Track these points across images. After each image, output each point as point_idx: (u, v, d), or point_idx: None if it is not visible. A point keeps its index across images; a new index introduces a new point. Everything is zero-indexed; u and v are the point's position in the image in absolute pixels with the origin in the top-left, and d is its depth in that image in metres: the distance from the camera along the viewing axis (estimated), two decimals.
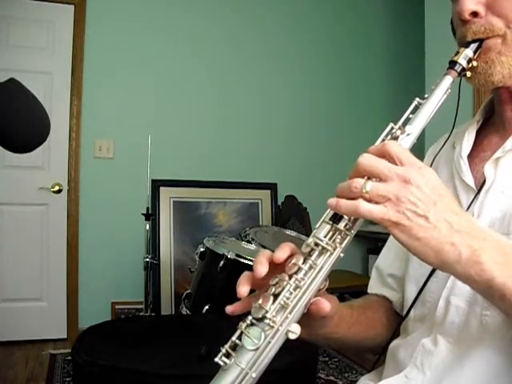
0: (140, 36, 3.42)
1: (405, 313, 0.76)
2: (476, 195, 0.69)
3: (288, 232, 2.53)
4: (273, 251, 0.59)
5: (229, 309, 0.60)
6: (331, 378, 2.69)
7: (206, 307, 1.92)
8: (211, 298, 1.96)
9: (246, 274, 0.59)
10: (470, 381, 0.62)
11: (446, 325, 0.67)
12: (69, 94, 3.29)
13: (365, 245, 3.71)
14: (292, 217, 3.31)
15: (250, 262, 1.88)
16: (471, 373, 0.62)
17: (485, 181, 0.69)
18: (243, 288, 0.57)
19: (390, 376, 0.71)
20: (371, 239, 3.45)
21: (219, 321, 1.83)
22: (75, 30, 3.29)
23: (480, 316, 0.64)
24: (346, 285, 2.83)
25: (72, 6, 3.28)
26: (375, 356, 0.79)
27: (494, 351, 0.62)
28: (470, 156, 0.74)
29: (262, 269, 0.56)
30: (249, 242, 2.22)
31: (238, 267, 1.88)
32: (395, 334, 0.77)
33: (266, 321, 0.53)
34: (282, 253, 0.57)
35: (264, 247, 2.17)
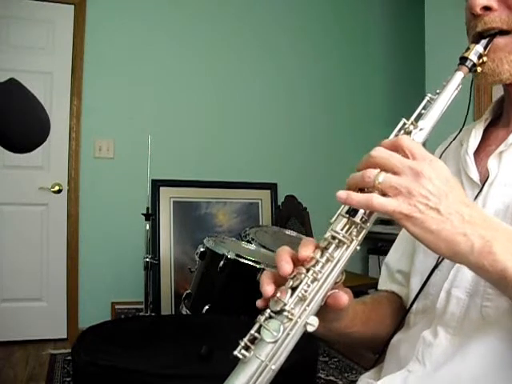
0: (140, 36, 3.42)
1: (408, 306, 0.77)
2: (480, 190, 0.69)
3: (288, 232, 2.53)
4: (293, 249, 0.59)
5: (259, 304, 0.58)
6: (331, 378, 2.69)
7: (206, 307, 1.92)
8: (211, 298, 1.96)
9: (266, 274, 0.59)
10: (472, 372, 0.62)
11: (447, 316, 0.67)
12: (69, 94, 3.29)
13: (365, 245, 3.70)
14: (292, 217, 3.31)
15: (250, 262, 1.88)
16: (472, 364, 0.62)
17: (489, 175, 0.69)
18: (268, 287, 0.57)
19: (391, 372, 0.71)
20: (371, 239, 3.45)
21: (219, 321, 1.83)
22: (75, 30, 3.29)
23: (480, 307, 0.64)
24: (346, 285, 2.82)
25: (72, 6, 3.28)
26: (375, 355, 0.79)
27: (497, 342, 0.62)
28: (477, 152, 0.75)
29: (287, 266, 0.56)
30: (249, 242, 2.22)
31: (237, 267, 1.89)
32: (399, 327, 0.77)
33: (285, 313, 0.53)
34: (306, 250, 0.57)
35: (264, 247, 2.17)
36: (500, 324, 0.62)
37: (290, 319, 0.53)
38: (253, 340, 0.54)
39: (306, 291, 0.54)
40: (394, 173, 0.53)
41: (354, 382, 0.81)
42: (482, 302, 0.64)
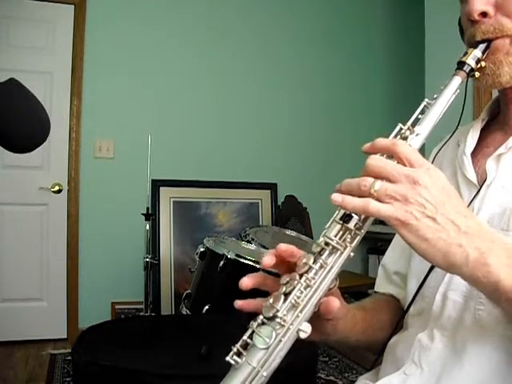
0: (140, 36, 3.42)
1: (405, 308, 0.77)
2: (478, 191, 0.69)
3: (288, 232, 2.53)
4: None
5: (238, 303, 0.60)
6: (331, 377, 2.69)
7: (206, 307, 1.92)
8: (211, 297, 1.96)
9: (259, 274, 0.61)
10: (469, 376, 0.62)
11: (443, 319, 0.67)
12: (69, 94, 3.29)
13: (365, 245, 3.71)
14: (292, 217, 3.31)
15: (250, 262, 1.88)
16: (470, 368, 0.62)
17: (487, 177, 0.69)
18: (267, 258, 0.59)
19: (387, 373, 0.71)
20: (371, 239, 3.45)
21: (219, 321, 1.83)
22: (75, 30, 3.29)
23: (474, 310, 0.64)
24: (346, 285, 2.83)
25: (72, 6, 3.28)
26: (375, 355, 0.79)
27: (492, 346, 0.62)
28: (474, 153, 0.74)
29: (269, 258, 0.58)
30: (249, 241, 2.22)
31: (237, 267, 1.88)
32: (396, 329, 0.77)
33: (277, 320, 0.53)
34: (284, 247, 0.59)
35: (264, 247, 2.17)
36: (493, 330, 0.62)
37: (283, 326, 0.53)
38: (245, 346, 0.53)
39: (298, 298, 0.54)
40: (390, 181, 0.52)
41: (353, 382, 0.81)
42: (476, 306, 0.64)
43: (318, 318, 0.58)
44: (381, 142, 0.56)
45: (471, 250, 0.51)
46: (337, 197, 0.53)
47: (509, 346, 0.61)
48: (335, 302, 0.58)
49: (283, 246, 0.59)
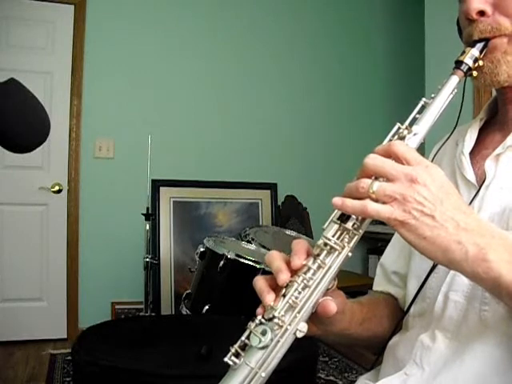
0: (140, 36, 3.42)
1: (406, 309, 0.76)
2: (477, 191, 0.69)
3: (288, 232, 2.53)
4: (283, 251, 0.59)
5: (260, 311, 0.57)
6: (331, 377, 2.69)
7: (206, 307, 1.92)
8: (211, 298, 1.96)
9: (262, 281, 0.58)
10: (470, 377, 0.62)
11: (445, 320, 0.67)
12: (69, 93, 3.29)
13: (365, 245, 3.71)
14: (292, 217, 3.31)
15: (250, 262, 1.89)
16: (471, 369, 0.62)
17: (486, 177, 0.69)
18: (270, 296, 0.56)
19: (388, 373, 0.71)
20: (371, 239, 3.45)
21: (219, 321, 1.83)
22: (75, 30, 3.29)
23: (479, 311, 0.64)
24: (346, 285, 2.83)
25: (72, 6, 3.28)
26: (375, 355, 0.79)
27: (495, 347, 0.62)
28: (472, 153, 0.74)
29: (283, 277, 0.55)
30: (249, 241, 2.22)
31: (237, 267, 1.89)
32: (396, 330, 0.77)
33: (275, 320, 0.53)
34: (299, 259, 0.56)
35: (264, 247, 2.17)
36: (498, 329, 0.62)
37: (281, 326, 0.53)
38: (243, 346, 0.53)
39: (296, 298, 0.54)
40: (389, 180, 0.52)
41: (353, 382, 0.81)
42: (481, 306, 0.64)
43: (315, 314, 0.58)
44: (378, 148, 0.56)
45: (470, 246, 0.51)
46: (337, 200, 0.54)
47: (511, 343, 0.61)
48: (332, 306, 0.57)
49: (298, 261, 0.56)
